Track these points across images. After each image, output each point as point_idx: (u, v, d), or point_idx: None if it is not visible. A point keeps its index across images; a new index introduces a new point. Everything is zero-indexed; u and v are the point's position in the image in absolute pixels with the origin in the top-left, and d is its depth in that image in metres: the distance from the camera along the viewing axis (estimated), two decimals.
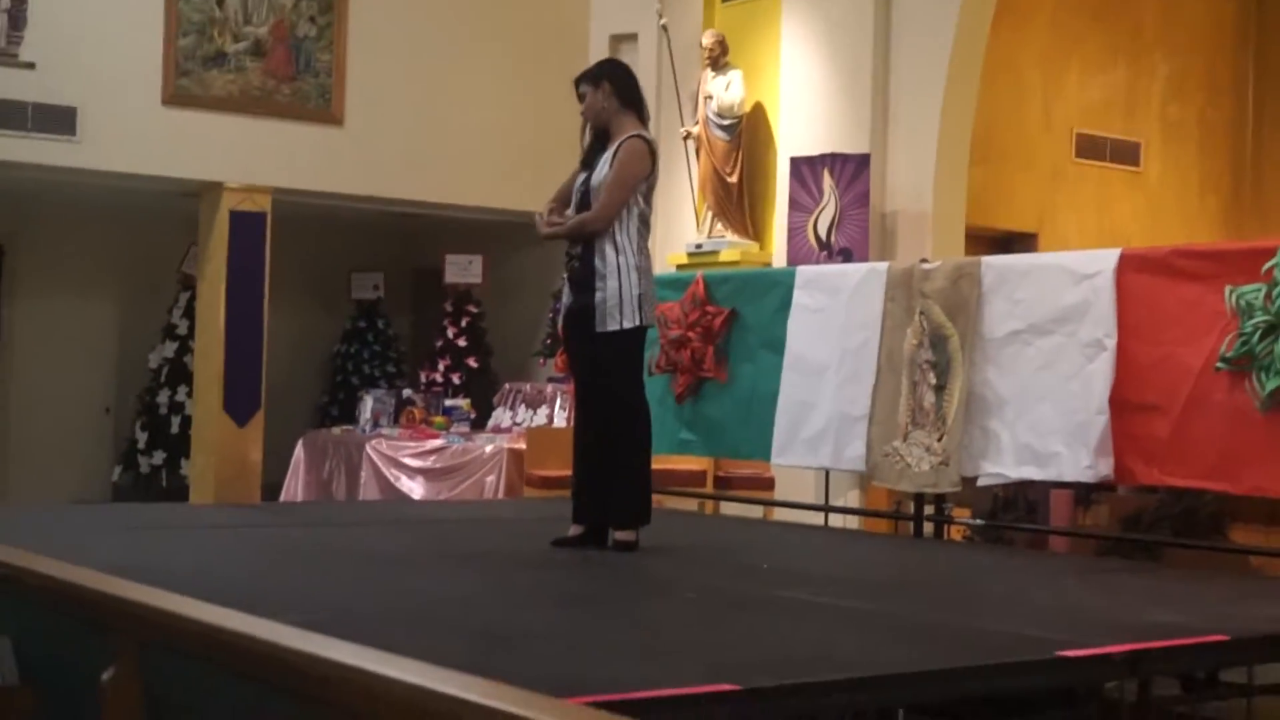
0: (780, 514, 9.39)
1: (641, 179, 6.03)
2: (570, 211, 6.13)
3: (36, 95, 11.08)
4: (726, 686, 3.26)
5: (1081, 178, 12.78)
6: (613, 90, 6.15)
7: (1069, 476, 6.28)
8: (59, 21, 11.13)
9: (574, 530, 6.10)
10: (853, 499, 9.87)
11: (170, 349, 13.44)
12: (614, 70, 6.29)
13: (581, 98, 6.20)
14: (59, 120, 11.17)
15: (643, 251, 6.04)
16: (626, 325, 5.95)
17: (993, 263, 6.67)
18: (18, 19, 11.02)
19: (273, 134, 12.07)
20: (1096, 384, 6.12)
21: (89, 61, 11.26)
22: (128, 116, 11.46)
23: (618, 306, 5.93)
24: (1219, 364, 5.79)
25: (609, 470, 6.03)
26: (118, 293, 14.40)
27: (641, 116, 6.21)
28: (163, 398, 13.36)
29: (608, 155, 6.07)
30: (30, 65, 11.04)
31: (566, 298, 6.19)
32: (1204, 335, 5.92)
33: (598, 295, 5.95)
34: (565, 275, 6.26)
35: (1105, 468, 6.08)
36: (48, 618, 4.34)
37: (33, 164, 11.29)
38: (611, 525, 6.05)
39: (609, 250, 5.96)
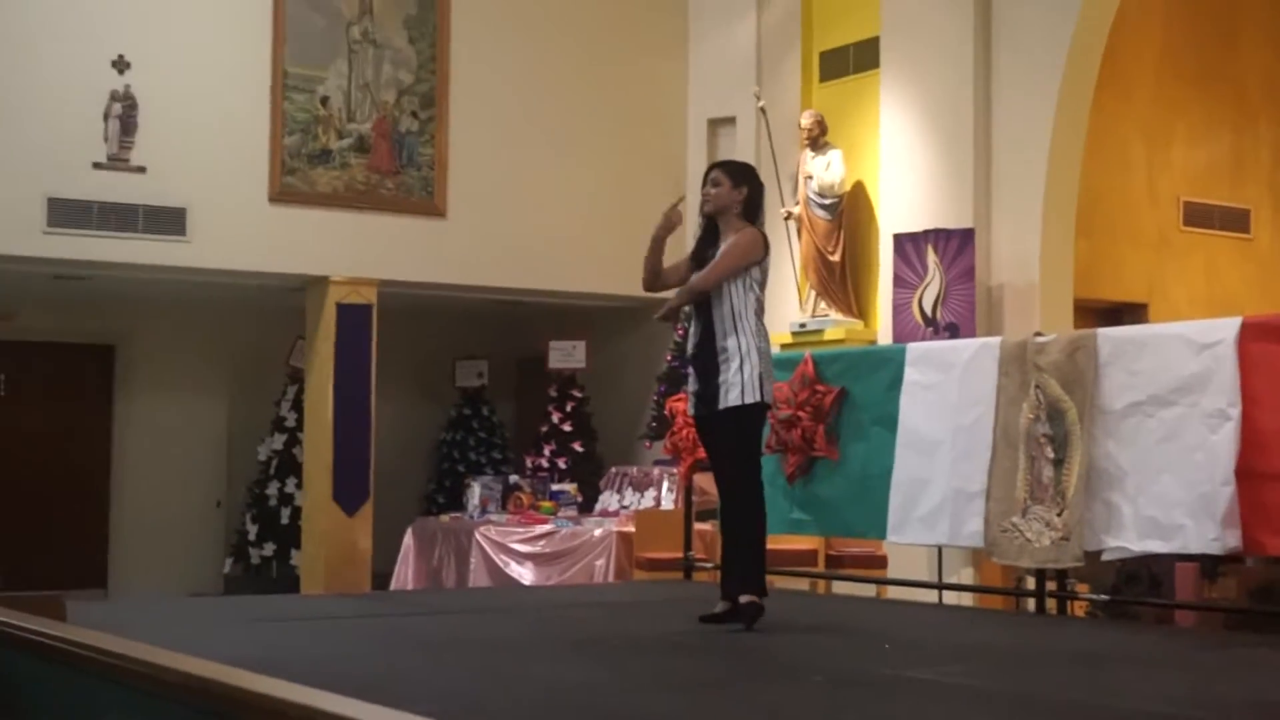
0: (893, 592, 9.28)
1: (754, 261, 6.24)
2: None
3: (147, 198, 11.33)
4: None
5: (1190, 246, 12.62)
6: (745, 198, 6.37)
7: (1195, 549, 6.13)
8: (167, 126, 11.40)
9: (720, 606, 6.20)
10: (966, 576, 9.74)
11: (279, 441, 13.59)
12: (754, 182, 6.47)
13: (714, 183, 6.38)
14: (169, 221, 11.41)
15: (761, 334, 6.23)
16: (747, 400, 6.11)
17: (1109, 334, 6.57)
18: (128, 125, 11.30)
19: (377, 227, 12.24)
20: (1221, 454, 5.99)
21: (197, 163, 11.51)
22: (235, 215, 11.68)
23: (739, 384, 6.11)
24: None
25: (733, 546, 6.19)
26: (226, 387, 14.63)
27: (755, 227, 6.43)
28: (272, 489, 13.51)
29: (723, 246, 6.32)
30: (141, 169, 11.30)
31: (692, 384, 6.35)
32: None
33: (720, 376, 6.14)
34: (689, 361, 6.40)
35: (1233, 539, 5.93)
36: (175, 712, 4.35)
37: (144, 264, 11.54)
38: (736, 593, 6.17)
39: (731, 334, 6.16)
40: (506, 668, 5.20)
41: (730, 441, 6.20)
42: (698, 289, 6.21)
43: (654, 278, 6.48)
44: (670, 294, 6.48)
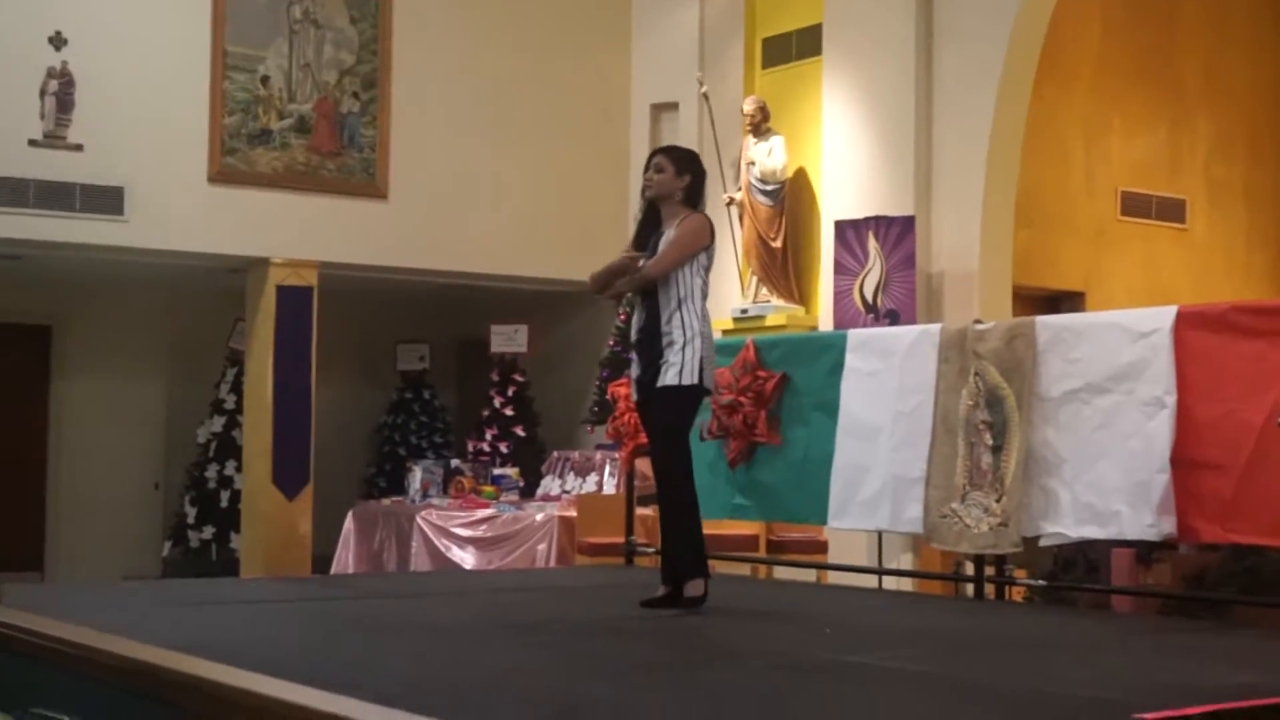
0: (833, 577, 9.34)
1: (700, 249, 6.25)
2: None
3: (84, 176, 11.23)
4: None
5: (1127, 236, 12.76)
6: (687, 186, 6.38)
7: (1131, 535, 6.21)
8: (106, 103, 11.29)
9: (661, 591, 6.25)
10: (905, 561, 9.82)
11: (218, 424, 13.51)
12: (696, 169, 6.47)
13: (657, 168, 6.39)
14: (107, 200, 11.31)
15: (705, 319, 6.26)
16: (685, 382, 6.13)
17: (1047, 322, 6.63)
18: (65, 102, 11.19)
19: (318, 209, 12.18)
20: (1157, 442, 6.06)
21: (136, 142, 11.41)
22: (175, 195, 11.59)
23: (679, 365, 6.13)
24: None
25: (665, 527, 6.28)
26: (165, 369, 14.51)
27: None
28: (211, 472, 13.42)
29: (669, 233, 6.30)
30: (78, 147, 11.20)
31: (635, 369, 6.40)
32: (1265, 391, 5.85)
33: (662, 357, 6.17)
34: (633, 346, 6.45)
35: (1168, 526, 6.01)
36: (113, 696, 4.33)
37: (81, 244, 11.44)
38: (681, 582, 6.21)
39: (675, 317, 6.18)
40: (446, 652, 5.20)
41: (660, 419, 6.22)
42: (648, 277, 6.21)
43: (601, 290, 6.46)
44: None
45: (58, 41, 11.16)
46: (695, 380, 6.14)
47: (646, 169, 6.44)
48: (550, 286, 13.27)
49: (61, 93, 11.17)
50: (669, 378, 6.13)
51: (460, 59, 12.79)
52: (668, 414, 6.21)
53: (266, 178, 11.96)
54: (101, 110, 11.27)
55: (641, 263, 6.27)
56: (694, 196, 6.40)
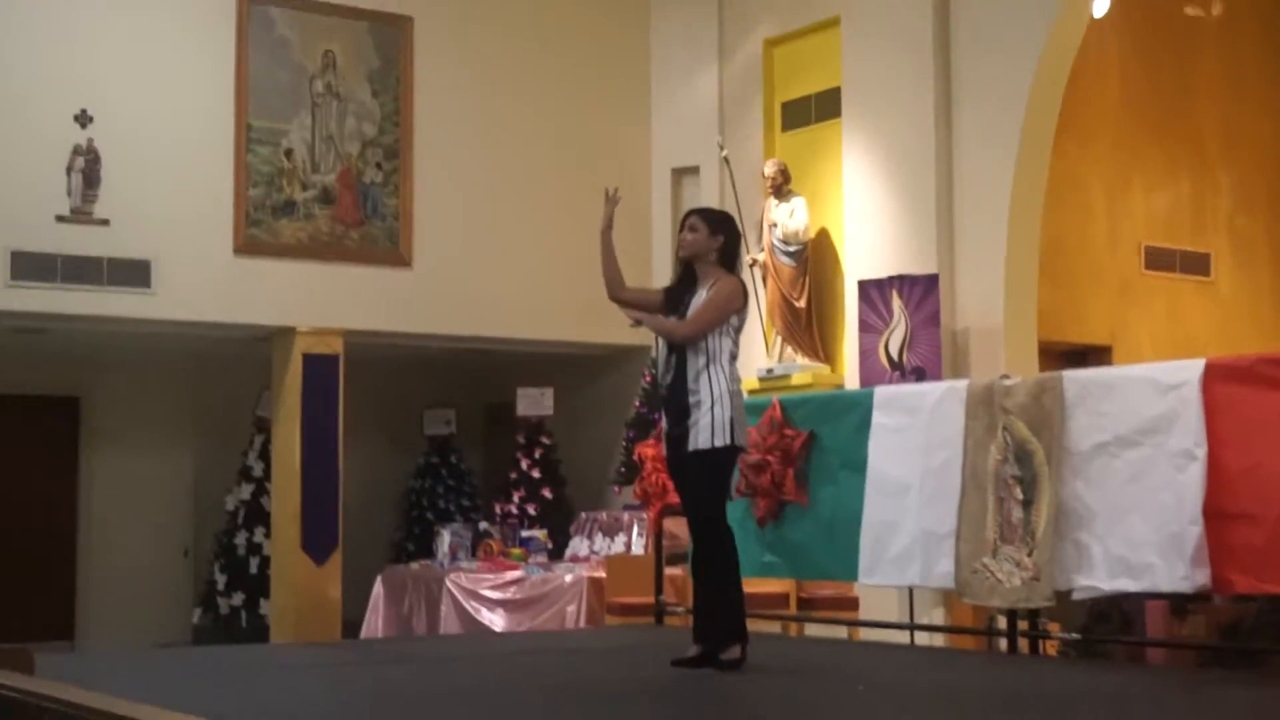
0: (865, 634, 9.30)
1: (734, 311, 6.28)
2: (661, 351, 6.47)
3: (111, 250, 11.31)
4: None
5: (1152, 290, 12.75)
6: (721, 246, 6.41)
7: (1165, 587, 6.18)
8: (131, 179, 11.39)
9: (693, 650, 6.24)
10: (937, 616, 9.77)
11: (246, 491, 13.54)
12: (730, 230, 6.50)
13: (691, 228, 6.43)
14: (133, 273, 11.39)
15: (734, 378, 6.29)
16: (717, 444, 6.14)
17: (1075, 376, 6.64)
18: (91, 178, 11.30)
19: (342, 278, 12.24)
20: (1189, 494, 6.05)
21: (161, 215, 11.50)
22: (200, 267, 11.66)
23: (709, 427, 6.14)
24: None
25: (706, 590, 6.26)
26: (193, 438, 14.57)
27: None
28: (240, 539, 13.45)
29: (702, 292, 6.32)
30: (105, 222, 11.29)
31: (665, 424, 6.42)
32: None
33: (691, 418, 6.17)
34: (661, 403, 6.49)
35: (1202, 578, 5.99)
36: None
37: (109, 317, 11.50)
38: (715, 644, 6.18)
39: (703, 379, 6.20)
40: (478, 715, 5.20)
41: (697, 484, 6.24)
42: (679, 338, 6.24)
43: (614, 282, 6.51)
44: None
45: (83, 119, 11.28)
46: (727, 440, 6.15)
47: (681, 229, 6.49)
48: (574, 350, 13.31)
49: (88, 169, 11.28)
50: (700, 441, 6.14)
51: (481, 127, 12.87)
52: (704, 478, 6.22)
53: (291, 248, 12.04)
54: (127, 185, 11.36)
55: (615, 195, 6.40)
56: (729, 258, 6.43)
